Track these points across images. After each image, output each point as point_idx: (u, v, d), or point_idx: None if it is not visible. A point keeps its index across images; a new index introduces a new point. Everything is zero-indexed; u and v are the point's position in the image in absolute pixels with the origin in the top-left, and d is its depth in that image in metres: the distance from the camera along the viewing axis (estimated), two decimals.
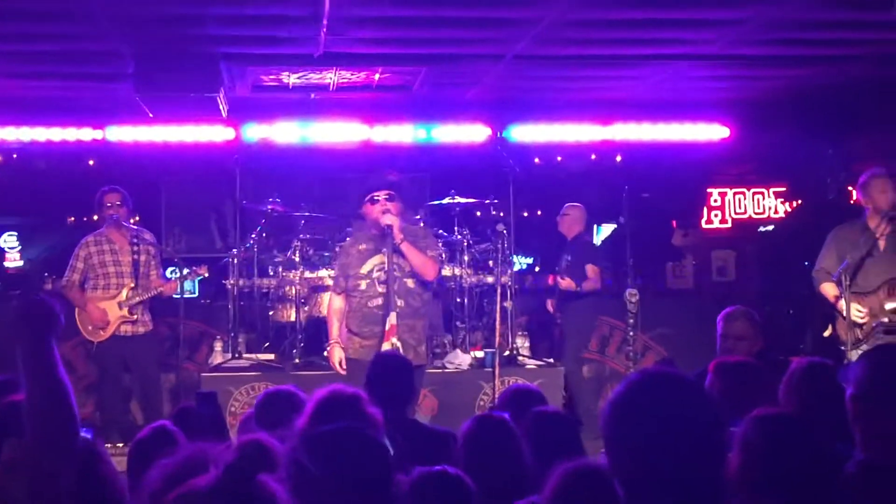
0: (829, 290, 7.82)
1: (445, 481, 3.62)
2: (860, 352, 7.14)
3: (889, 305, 7.63)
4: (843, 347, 7.50)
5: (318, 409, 3.95)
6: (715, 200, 12.88)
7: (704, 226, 12.92)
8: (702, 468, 2.39)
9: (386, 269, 7.24)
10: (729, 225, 12.88)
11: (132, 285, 8.95)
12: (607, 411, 2.50)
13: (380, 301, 7.29)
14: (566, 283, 9.85)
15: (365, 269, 7.37)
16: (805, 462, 2.84)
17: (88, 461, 3.05)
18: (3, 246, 12.33)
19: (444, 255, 9.23)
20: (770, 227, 12.89)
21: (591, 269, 9.93)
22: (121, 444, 8.07)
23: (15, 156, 11.32)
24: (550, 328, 10.72)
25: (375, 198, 7.28)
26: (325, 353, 7.89)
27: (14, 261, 12.26)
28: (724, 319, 6.35)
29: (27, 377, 2.91)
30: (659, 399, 2.44)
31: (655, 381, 2.51)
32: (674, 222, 13.07)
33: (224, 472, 2.22)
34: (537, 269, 13.11)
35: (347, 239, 8.19)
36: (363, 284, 7.35)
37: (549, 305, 10.42)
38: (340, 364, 7.41)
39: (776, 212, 12.82)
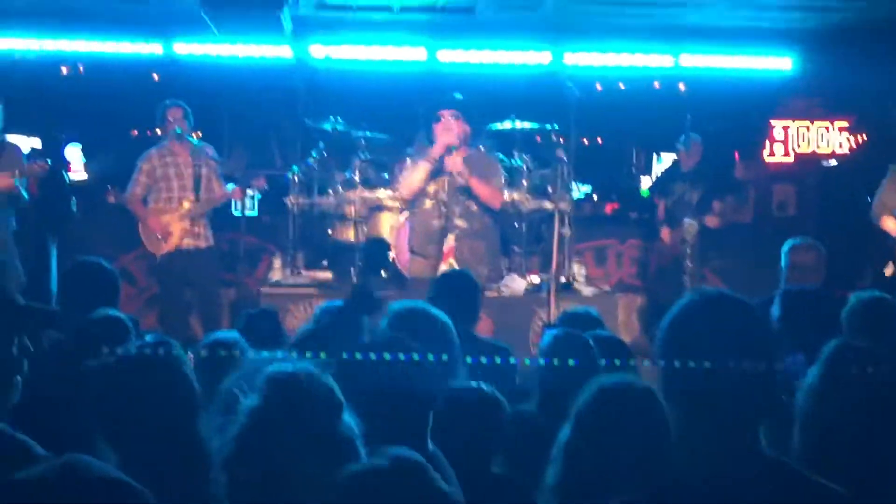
0: (890, 224, 7.73)
1: (481, 396, 3.67)
2: None
3: None
4: None
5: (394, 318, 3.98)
6: (778, 133, 12.70)
7: (767, 159, 12.75)
8: (755, 390, 2.37)
9: (448, 189, 7.25)
10: (791, 159, 12.70)
11: (193, 198, 9.05)
12: (663, 330, 2.47)
13: (441, 221, 7.32)
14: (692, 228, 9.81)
15: (430, 189, 7.38)
16: (880, 393, 2.83)
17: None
18: (67, 158, 12.44)
19: (504, 181, 9.22)
20: (833, 163, 12.70)
21: (716, 205, 9.96)
22: None
23: (81, 68, 11.40)
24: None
25: (441, 117, 7.28)
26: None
27: (78, 172, 12.37)
28: (792, 250, 6.29)
29: None
30: (715, 319, 2.40)
31: (713, 301, 2.47)
32: (736, 154, 12.91)
33: None
34: (595, 196, 13.03)
35: (407, 159, 8.19)
36: (427, 203, 7.37)
37: (664, 234, 10.37)
38: None
39: (840, 146, 12.61)
